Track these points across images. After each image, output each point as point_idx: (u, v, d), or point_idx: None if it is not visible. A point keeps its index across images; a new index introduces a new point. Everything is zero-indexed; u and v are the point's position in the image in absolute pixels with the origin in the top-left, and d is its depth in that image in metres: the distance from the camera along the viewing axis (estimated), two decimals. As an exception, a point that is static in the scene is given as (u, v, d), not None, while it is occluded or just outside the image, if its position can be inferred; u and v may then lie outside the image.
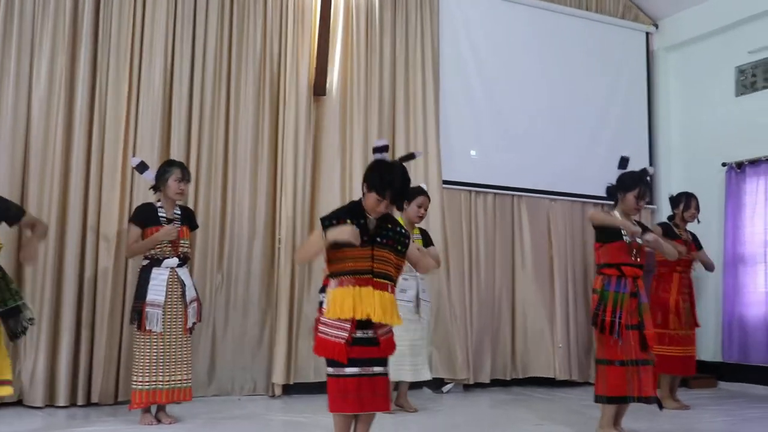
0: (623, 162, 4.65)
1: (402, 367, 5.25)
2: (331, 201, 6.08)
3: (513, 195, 7.28)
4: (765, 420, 5.43)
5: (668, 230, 6.08)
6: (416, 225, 5.54)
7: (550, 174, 7.39)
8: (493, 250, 7.08)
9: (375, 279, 3.45)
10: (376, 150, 3.63)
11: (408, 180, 3.57)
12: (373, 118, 6.63)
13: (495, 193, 7.17)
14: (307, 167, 6.33)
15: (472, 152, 7.10)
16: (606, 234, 4.52)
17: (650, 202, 7.88)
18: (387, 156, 3.61)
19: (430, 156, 6.77)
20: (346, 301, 3.42)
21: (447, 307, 6.67)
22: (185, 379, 4.81)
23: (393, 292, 3.55)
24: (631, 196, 4.53)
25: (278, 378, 5.94)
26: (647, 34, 8.27)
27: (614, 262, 4.46)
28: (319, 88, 6.41)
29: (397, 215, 5.23)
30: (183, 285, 4.81)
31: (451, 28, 7.13)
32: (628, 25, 8.16)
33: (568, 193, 7.47)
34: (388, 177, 3.49)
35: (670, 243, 5.29)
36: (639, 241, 4.43)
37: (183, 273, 4.85)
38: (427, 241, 5.58)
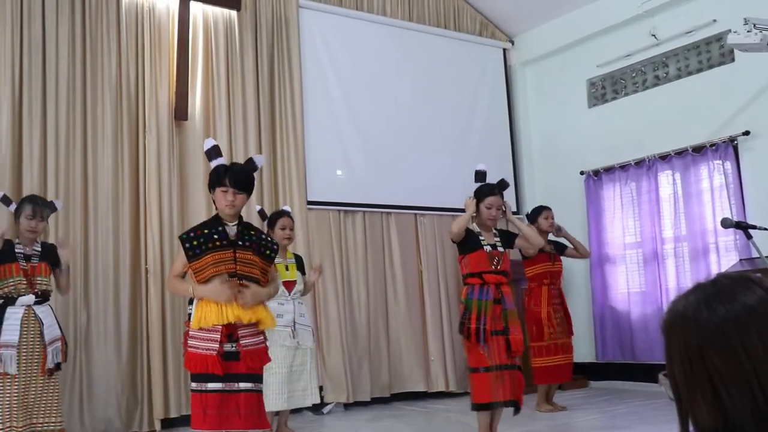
0: (479, 175, 4.77)
1: (280, 396, 5.16)
2: (199, 228, 5.93)
3: (382, 212, 7.33)
4: (630, 414, 5.70)
5: None
6: (288, 249, 5.49)
7: (417, 189, 7.50)
8: (366, 268, 7.10)
9: (241, 281, 3.46)
10: (210, 154, 3.69)
11: (250, 168, 3.67)
12: (238, 142, 6.55)
13: (364, 212, 7.21)
14: (172, 194, 6.17)
15: (339, 172, 7.12)
16: (466, 246, 4.62)
17: (516, 212, 8.16)
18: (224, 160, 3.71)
19: (294, 178, 6.74)
20: (207, 309, 3.42)
21: (323, 328, 6.64)
22: (52, 422, 4.55)
23: None
24: (482, 207, 4.66)
25: (157, 413, 5.74)
26: (504, 50, 8.57)
27: (476, 271, 4.56)
28: (180, 112, 6.27)
29: None
30: (41, 323, 4.57)
31: (312, 49, 7.15)
32: (485, 42, 8.42)
33: (435, 207, 7.60)
34: (223, 168, 3.60)
35: (532, 229, 5.24)
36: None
37: (42, 311, 4.61)
38: (301, 267, 5.53)
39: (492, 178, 4.88)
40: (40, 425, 4.52)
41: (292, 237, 5.50)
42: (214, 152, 3.69)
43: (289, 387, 5.21)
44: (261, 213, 5.69)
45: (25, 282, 4.57)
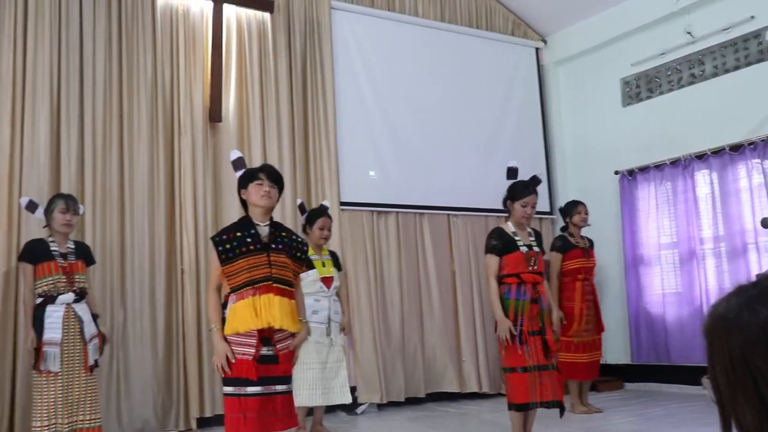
0: (511, 172, 4.73)
1: (314, 392, 5.19)
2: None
3: (415, 213, 7.33)
4: (667, 417, 5.63)
5: (565, 242, 6.22)
6: (324, 246, 5.52)
7: (450, 189, 7.48)
8: (399, 269, 7.10)
9: (276, 285, 3.47)
10: (236, 165, 3.75)
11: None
12: (272, 143, 6.59)
13: (397, 212, 7.21)
14: (206, 195, 6.23)
15: (371, 173, 7.13)
16: (502, 248, 4.57)
17: (550, 213, 8.12)
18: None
19: (327, 179, 6.77)
20: (243, 314, 3.43)
21: (357, 329, 6.65)
22: (91, 419, 4.62)
23: (293, 297, 3.58)
24: (518, 206, 4.59)
25: (194, 411, 5.81)
26: (537, 49, 8.52)
27: (513, 272, 4.51)
28: (214, 114, 6.33)
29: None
30: (81, 321, 4.63)
31: (344, 50, 7.17)
32: (518, 41, 8.38)
33: (468, 207, 7.58)
34: (254, 167, 3.73)
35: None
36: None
37: (80, 309, 4.67)
38: (337, 263, 5.56)
39: (525, 178, 4.85)
40: (83, 422, 4.59)
41: (329, 237, 5.54)
42: (239, 163, 3.76)
43: (324, 384, 5.23)
44: (301, 207, 5.71)
45: (64, 280, 4.63)
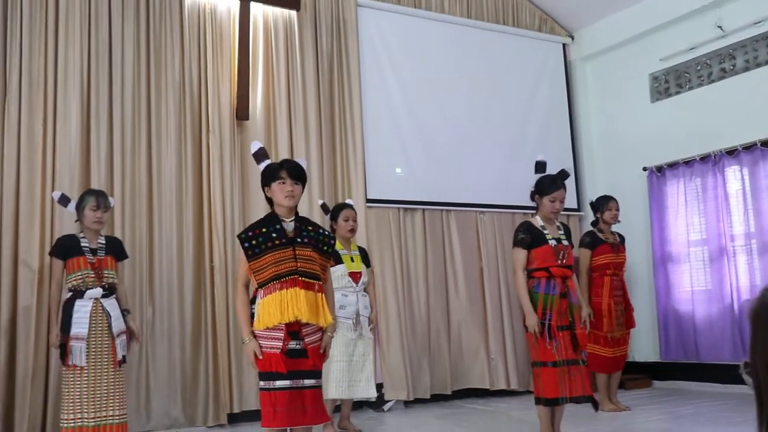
0: (539, 166, 4.69)
1: (340, 384, 5.21)
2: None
3: (442, 210, 7.31)
4: (697, 416, 5.56)
5: (594, 238, 6.17)
6: (353, 241, 5.54)
7: (477, 186, 7.46)
8: (426, 266, 7.09)
9: (302, 279, 3.48)
10: (258, 157, 3.74)
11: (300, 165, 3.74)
12: (298, 141, 6.61)
13: (424, 209, 7.20)
14: (234, 192, 6.27)
15: (398, 170, 7.13)
16: (531, 242, 4.55)
17: (578, 209, 8.06)
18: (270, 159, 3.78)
19: (354, 176, 6.78)
20: (271, 308, 3.45)
21: (384, 326, 6.66)
22: (117, 415, 4.65)
23: (321, 290, 3.58)
24: (546, 201, 4.56)
25: (223, 407, 5.85)
26: (564, 45, 8.47)
27: (542, 265, 4.48)
28: (241, 112, 6.36)
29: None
30: (109, 316, 4.67)
31: (371, 47, 7.18)
32: (545, 37, 8.34)
33: (496, 204, 7.55)
34: (277, 163, 3.68)
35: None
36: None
37: (109, 304, 4.70)
38: (366, 259, 5.56)
39: (552, 173, 4.82)
40: (112, 418, 4.62)
41: (355, 228, 5.53)
42: (261, 154, 3.74)
43: (351, 377, 5.25)
44: (323, 207, 5.74)
45: (93, 275, 4.66)
